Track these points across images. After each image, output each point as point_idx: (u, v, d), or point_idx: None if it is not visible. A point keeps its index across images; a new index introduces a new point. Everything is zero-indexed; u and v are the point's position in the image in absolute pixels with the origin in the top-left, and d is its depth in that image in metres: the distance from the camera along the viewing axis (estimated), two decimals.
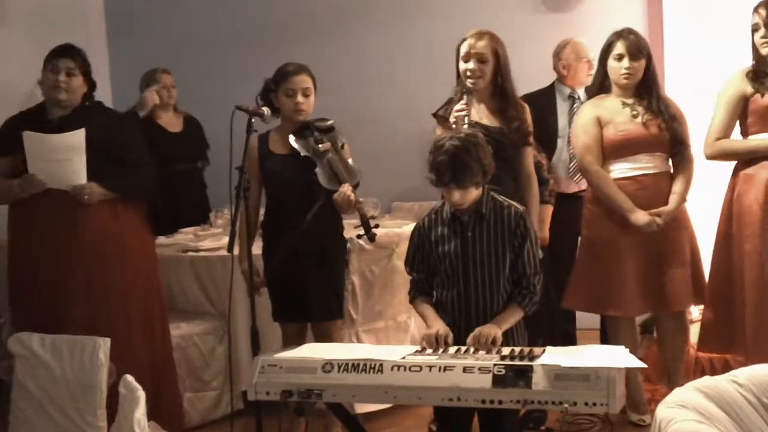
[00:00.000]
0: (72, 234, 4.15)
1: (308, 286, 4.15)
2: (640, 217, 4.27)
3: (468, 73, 4.18)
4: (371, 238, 4.00)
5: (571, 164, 5.11)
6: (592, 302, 4.51)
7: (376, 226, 4.00)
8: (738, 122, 4.29)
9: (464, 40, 4.24)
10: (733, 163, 4.34)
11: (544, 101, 5.24)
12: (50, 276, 4.15)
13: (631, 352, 4.11)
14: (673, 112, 4.37)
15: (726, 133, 4.25)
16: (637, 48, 4.33)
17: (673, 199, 4.32)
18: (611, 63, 4.39)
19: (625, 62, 4.33)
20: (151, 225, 4.48)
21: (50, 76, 4.18)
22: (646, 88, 4.38)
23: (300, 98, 4.14)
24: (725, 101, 4.24)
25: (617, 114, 4.38)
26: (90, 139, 4.13)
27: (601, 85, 4.48)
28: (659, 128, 4.33)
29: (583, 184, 5.05)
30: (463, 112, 4.07)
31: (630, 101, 4.39)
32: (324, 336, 4.22)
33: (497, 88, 4.24)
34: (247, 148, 3.92)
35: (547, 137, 5.14)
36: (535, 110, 5.15)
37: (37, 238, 4.18)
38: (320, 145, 4.09)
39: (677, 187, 4.34)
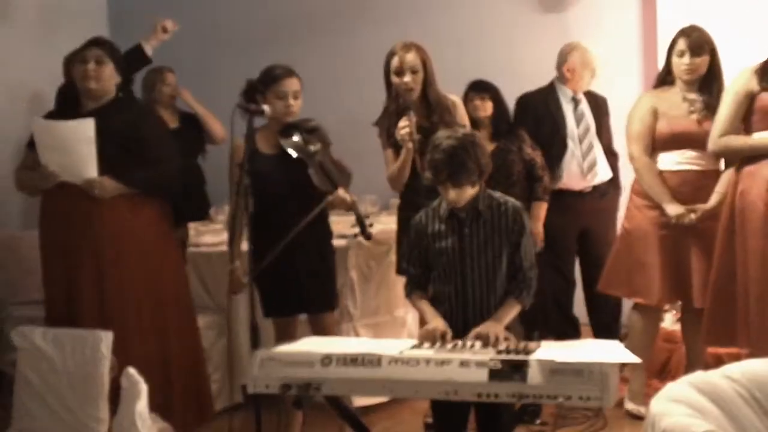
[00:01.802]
0: (86, 229, 4.14)
1: (303, 279, 4.19)
2: (673, 208, 4.38)
3: (403, 87, 4.28)
4: (368, 236, 4.06)
5: (585, 162, 5.16)
6: (624, 288, 4.65)
7: (371, 225, 4.06)
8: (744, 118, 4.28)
9: (393, 54, 4.33)
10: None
11: (547, 100, 5.27)
12: (64, 271, 4.15)
13: (646, 345, 4.17)
14: None
15: (730, 130, 4.24)
16: (699, 45, 4.42)
17: (713, 197, 4.39)
18: (674, 59, 4.49)
19: (686, 58, 4.43)
20: (172, 221, 4.45)
21: (79, 67, 4.15)
22: (707, 84, 4.47)
23: (291, 101, 4.21)
24: (731, 98, 4.25)
25: (674, 107, 4.48)
26: (112, 131, 4.10)
27: (664, 79, 4.58)
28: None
29: (592, 182, 5.13)
30: (407, 129, 4.13)
31: (691, 96, 4.49)
32: (322, 327, 4.26)
33: (424, 97, 4.34)
34: (247, 144, 3.94)
35: (555, 137, 5.19)
36: (537, 109, 5.22)
37: (54, 232, 4.19)
38: (311, 147, 4.14)
39: (720, 186, 4.40)
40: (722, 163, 4.47)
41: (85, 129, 4.05)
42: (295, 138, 4.17)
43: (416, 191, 4.11)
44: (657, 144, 4.50)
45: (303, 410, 4.03)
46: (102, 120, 4.12)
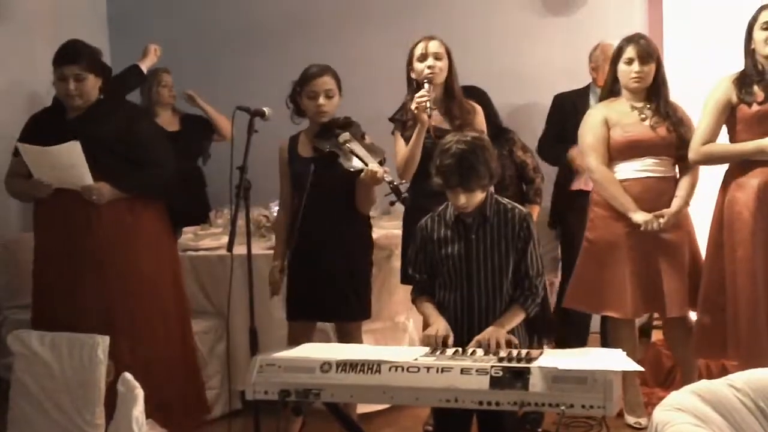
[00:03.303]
0: (85, 233, 4.13)
1: (331, 286, 4.18)
2: (640, 216, 4.32)
3: (427, 71, 4.26)
4: (404, 201, 4.02)
5: None
6: (591, 302, 4.57)
7: (407, 190, 4.01)
8: (727, 128, 4.29)
9: (417, 43, 4.36)
10: (722, 171, 4.36)
11: (576, 99, 5.35)
12: (66, 274, 4.14)
13: (630, 354, 4.13)
14: (680, 116, 4.42)
15: (711, 138, 4.27)
16: (647, 52, 4.38)
17: (675, 202, 4.36)
18: (621, 67, 4.44)
19: (635, 66, 4.38)
20: (171, 222, 4.45)
21: (60, 85, 4.14)
22: (655, 92, 4.44)
23: (322, 100, 4.18)
24: (711, 107, 4.26)
25: (625, 116, 4.43)
26: (101, 136, 4.11)
27: (611, 89, 4.54)
28: (667, 131, 4.38)
29: None
30: (425, 98, 4.11)
31: (639, 105, 4.45)
32: (346, 334, 4.28)
33: (447, 89, 4.34)
34: (248, 146, 3.90)
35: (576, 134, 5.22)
36: (565, 107, 5.32)
37: (53, 236, 4.18)
38: (339, 138, 4.12)
39: (681, 190, 4.38)
40: (677, 169, 4.46)
41: (71, 152, 4.03)
42: (330, 137, 4.15)
43: (423, 194, 4.06)
44: (614, 153, 4.44)
45: (302, 417, 4.00)
46: (90, 125, 4.13)
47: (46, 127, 4.19)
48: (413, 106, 4.15)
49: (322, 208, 4.09)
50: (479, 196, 3.43)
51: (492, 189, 3.55)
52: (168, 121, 5.93)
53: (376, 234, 4.82)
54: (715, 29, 5.66)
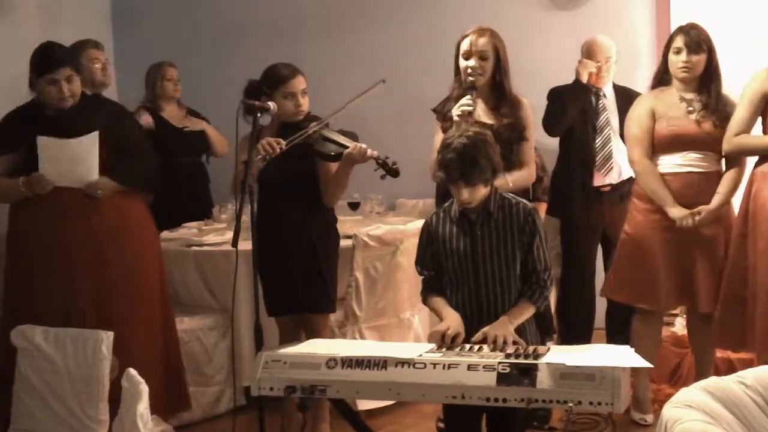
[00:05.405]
0: (83, 228, 4.12)
1: (295, 279, 4.18)
2: (677, 211, 4.30)
3: (469, 70, 4.16)
4: (394, 173, 4.03)
5: (599, 156, 5.13)
6: (627, 293, 4.57)
7: (395, 163, 4.01)
8: (762, 120, 4.24)
9: (465, 36, 4.23)
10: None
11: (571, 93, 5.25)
12: (59, 270, 4.11)
13: (650, 351, 4.13)
14: (729, 111, 4.35)
15: (745, 129, 4.22)
16: (696, 42, 4.35)
17: (715, 199, 4.31)
18: (671, 56, 4.42)
19: (683, 56, 4.36)
20: (153, 218, 4.46)
21: (51, 90, 4.09)
22: (705, 84, 4.40)
23: (300, 99, 4.20)
24: (747, 98, 4.22)
25: (673, 108, 4.40)
26: (93, 132, 4.12)
27: (661, 79, 4.51)
28: (713, 126, 4.33)
29: (609, 179, 5.12)
30: (469, 108, 4.03)
31: (689, 96, 4.41)
32: (312, 330, 4.24)
33: (496, 85, 4.23)
34: (252, 142, 3.91)
35: (579, 129, 5.19)
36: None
37: (43, 233, 4.14)
38: (309, 128, 4.10)
39: (722, 187, 4.33)
40: (723, 165, 4.42)
41: (91, 142, 4.08)
42: (298, 129, 4.14)
43: None
44: (657, 146, 4.43)
45: (304, 413, 3.98)
46: (78, 121, 4.13)
47: (28, 124, 4.17)
48: (455, 111, 4.06)
49: (286, 201, 4.12)
50: (482, 190, 3.41)
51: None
52: (173, 116, 5.92)
53: (381, 231, 4.81)
54: (723, 23, 5.63)
